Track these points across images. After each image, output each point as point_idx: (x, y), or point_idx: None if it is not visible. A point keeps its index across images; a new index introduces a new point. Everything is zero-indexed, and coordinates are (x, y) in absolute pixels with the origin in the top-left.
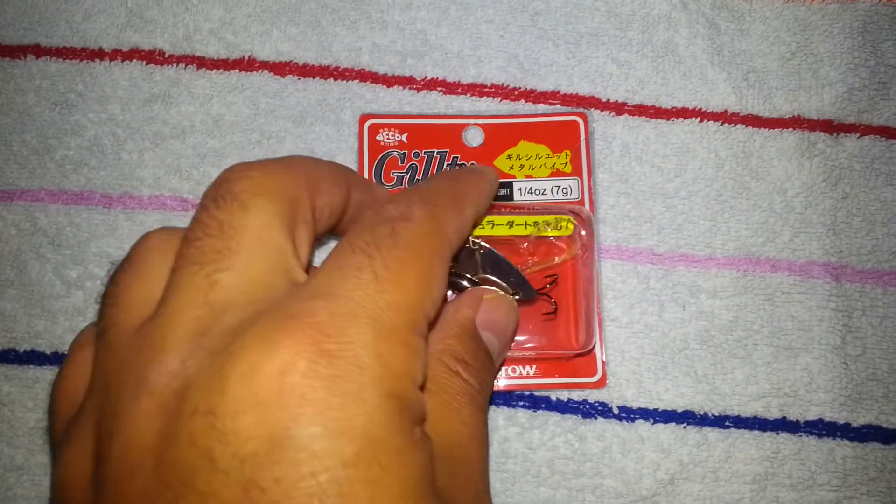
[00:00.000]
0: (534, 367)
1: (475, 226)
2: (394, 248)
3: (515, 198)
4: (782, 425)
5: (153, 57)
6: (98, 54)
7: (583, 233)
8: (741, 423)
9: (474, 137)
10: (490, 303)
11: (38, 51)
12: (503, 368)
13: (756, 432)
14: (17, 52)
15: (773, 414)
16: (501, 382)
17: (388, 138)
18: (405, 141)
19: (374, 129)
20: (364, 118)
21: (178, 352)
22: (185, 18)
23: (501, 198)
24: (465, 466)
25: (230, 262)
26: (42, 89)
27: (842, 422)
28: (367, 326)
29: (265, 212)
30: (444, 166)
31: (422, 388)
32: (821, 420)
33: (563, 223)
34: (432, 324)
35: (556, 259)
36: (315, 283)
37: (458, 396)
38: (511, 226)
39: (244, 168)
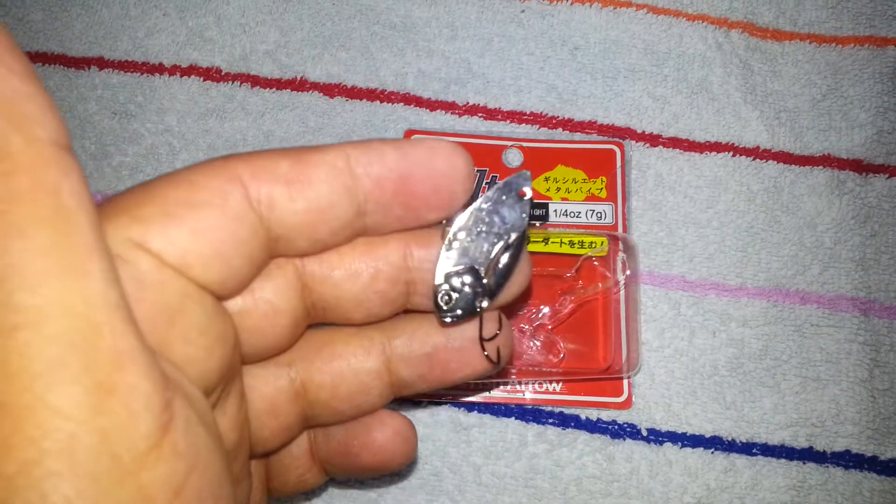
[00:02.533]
0: (560, 383)
1: None
2: None
3: (551, 219)
4: (809, 455)
5: (210, 74)
6: (158, 69)
7: (621, 256)
8: (768, 450)
9: (514, 159)
10: None
11: (102, 63)
12: (529, 382)
13: (783, 461)
14: (81, 64)
15: (801, 443)
16: (528, 396)
17: None
18: None
19: None
20: (409, 133)
21: None
22: (243, 40)
23: (537, 218)
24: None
25: None
26: (103, 99)
27: (869, 454)
28: None
29: None
30: (484, 185)
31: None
32: (848, 452)
33: (599, 243)
34: None
35: (601, 285)
36: None
37: None
38: (546, 242)
39: None
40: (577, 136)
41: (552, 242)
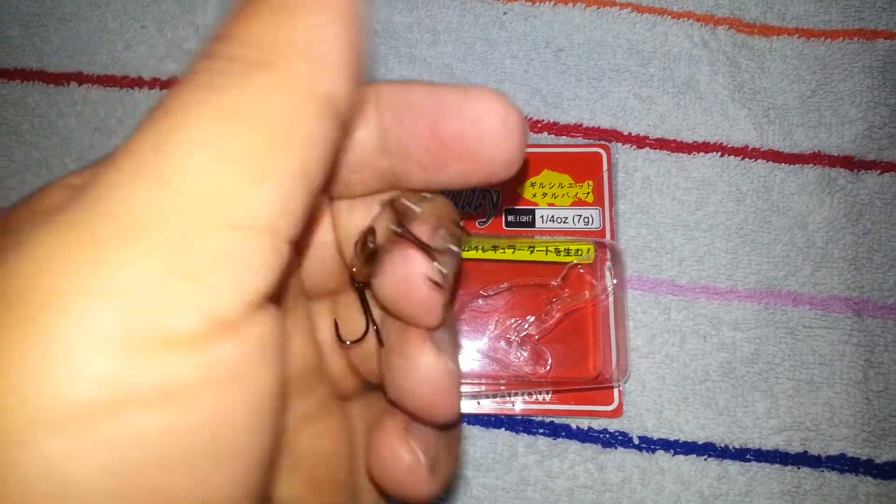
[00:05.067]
0: (550, 393)
1: None
2: None
3: (537, 225)
4: (804, 460)
5: None
6: (138, 83)
7: (607, 264)
8: (762, 456)
9: None
10: None
11: (81, 78)
12: (519, 393)
13: (777, 466)
14: (60, 80)
15: (795, 448)
16: (517, 406)
17: None
18: None
19: None
20: None
21: None
22: None
23: (524, 224)
24: None
25: None
26: (83, 115)
27: (864, 458)
28: None
29: None
30: (468, 191)
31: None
32: (843, 455)
33: (584, 250)
34: None
35: (587, 293)
36: None
37: None
38: (532, 251)
39: None
40: (563, 139)
41: (538, 251)
